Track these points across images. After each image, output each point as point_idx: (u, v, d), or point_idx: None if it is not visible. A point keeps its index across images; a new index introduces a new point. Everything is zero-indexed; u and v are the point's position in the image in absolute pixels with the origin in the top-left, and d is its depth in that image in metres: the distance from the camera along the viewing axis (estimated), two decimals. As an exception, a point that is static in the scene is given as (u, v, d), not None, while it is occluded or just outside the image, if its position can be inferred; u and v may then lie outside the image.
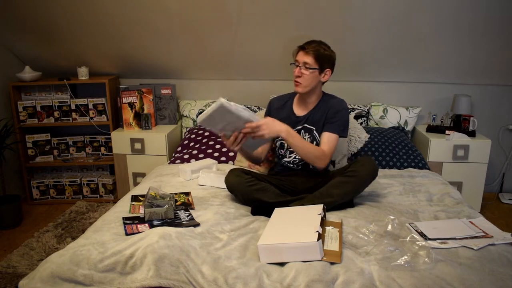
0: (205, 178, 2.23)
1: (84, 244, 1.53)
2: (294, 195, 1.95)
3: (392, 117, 3.01)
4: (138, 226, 1.68)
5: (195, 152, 2.70)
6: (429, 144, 2.80)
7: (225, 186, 2.02)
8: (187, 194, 2.06)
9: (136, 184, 2.97)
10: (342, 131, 2.05)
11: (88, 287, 1.39)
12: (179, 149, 2.80)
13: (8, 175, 3.06)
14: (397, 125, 3.01)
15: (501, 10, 2.49)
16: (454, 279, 1.33)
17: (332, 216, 1.80)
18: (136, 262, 1.41)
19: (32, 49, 3.12)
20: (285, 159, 2.16)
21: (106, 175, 3.26)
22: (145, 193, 1.96)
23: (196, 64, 3.14)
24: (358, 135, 2.66)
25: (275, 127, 1.83)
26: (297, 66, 2.00)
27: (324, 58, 1.98)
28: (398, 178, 2.37)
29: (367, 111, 3.03)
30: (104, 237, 1.59)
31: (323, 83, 2.09)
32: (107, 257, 1.43)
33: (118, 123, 3.18)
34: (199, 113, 3.13)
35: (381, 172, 2.37)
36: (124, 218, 1.77)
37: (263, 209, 1.87)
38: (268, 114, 2.20)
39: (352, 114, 2.95)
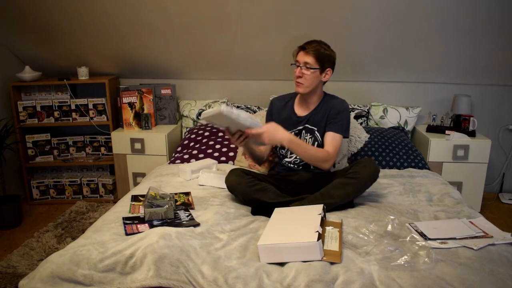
0: (205, 178, 2.23)
1: (84, 244, 1.53)
2: (295, 195, 1.95)
3: (392, 117, 3.01)
4: (138, 226, 1.68)
5: (195, 152, 2.70)
6: (429, 144, 2.80)
7: (225, 186, 2.02)
8: (187, 194, 2.06)
9: (136, 184, 2.97)
10: (345, 131, 2.05)
11: (88, 287, 1.39)
12: (179, 149, 2.80)
13: (8, 175, 3.06)
14: (397, 125, 3.01)
15: (501, 10, 2.49)
16: (454, 279, 1.33)
17: (332, 216, 1.80)
18: (136, 262, 1.41)
19: (32, 49, 3.12)
20: (286, 159, 2.16)
21: (106, 175, 3.26)
22: (145, 193, 1.96)
23: (196, 64, 3.14)
24: (358, 135, 2.66)
25: (276, 136, 1.82)
26: (298, 66, 2.00)
27: (325, 58, 1.98)
28: (398, 178, 2.37)
29: (367, 111, 3.03)
30: (104, 237, 1.59)
31: (324, 82, 2.09)
32: (107, 257, 1.43)
33: (118, 123, 3.18)
34: (199, 113, 3.13)
35: (381, 172, 2.36)
36: (124, 218, 1.77)
37: (263, 209, 1.87)
38: (269, 114, 2.20)
39: (352, 114, 2.95)
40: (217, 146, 2.71)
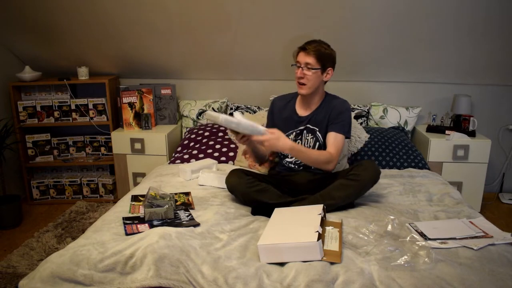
0: (205, 178, 2.23)
1: (84, 244, 1.53)
2: (295, 196, 1.95)
3: (392, 117, 3.01)
4: (138, 226, 1.68)
5: (195, 152, 2.70)
6: (429, 144, 2.80)
7: (225, 186, 2.02)
8: (187, 194, 2.06)
9: (136, 184, 2.97)
10: (347, 131, 2.05)
11: (88, 287, 1.39)
12: (179, 149, 2.80)
13: (8, 175, 3.06)
14: (397, 125, 3.01)
15: (501, 10, 2.49)
16: (454, 279, 1.33)
17: (332, 216, 1.80)
18: (136, 262, 1.41)
19: (32, 49, 3.12)
20: (287, 159, 2.15)
21: (106, 175, 3.26)
22: (145, 193, 1.96)
23: (196, 64, 3.14)
24: (358, 135, 2.66)
25: (278, 144, 1.79)
26: (299, 67, 1.98)
27: (326, 57, 1.98)
28: (398, 178, 2.37)
29: (367, 111, 3.03)
30: (104, 237, 1.59)
31: (325, 82, 2.08)
32: (107, 257, 1.43)
33: (118, 123, 3.18)
34: (199, 113, 3.13)
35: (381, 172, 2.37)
36: (124, 218, 1.77)
37: (263, 209, 1.87)
38: (271, 114, 2.20)
39: (352, 114, 2.94)
40: (217, 146, 2.71)
